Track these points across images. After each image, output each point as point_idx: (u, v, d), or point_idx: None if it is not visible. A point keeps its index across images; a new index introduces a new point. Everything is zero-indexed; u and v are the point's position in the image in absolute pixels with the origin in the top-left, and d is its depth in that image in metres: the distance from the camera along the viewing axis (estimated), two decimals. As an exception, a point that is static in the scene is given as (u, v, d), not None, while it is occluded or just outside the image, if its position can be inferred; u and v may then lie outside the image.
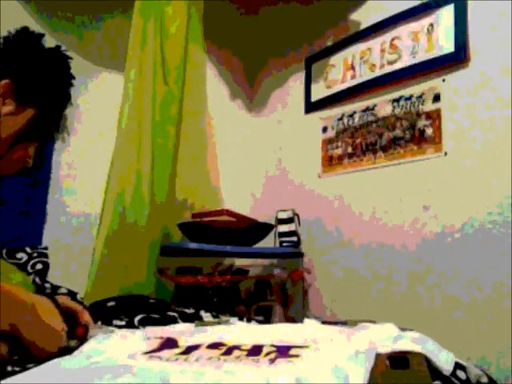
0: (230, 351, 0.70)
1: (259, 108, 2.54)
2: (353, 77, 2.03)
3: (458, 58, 1.65)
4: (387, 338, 0.75)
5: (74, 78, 1.04)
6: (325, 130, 2.14)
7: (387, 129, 1.87)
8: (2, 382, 0.56)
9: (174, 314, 1.27)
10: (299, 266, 2.07)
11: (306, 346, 0.71)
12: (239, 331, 0.88)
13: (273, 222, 2.08)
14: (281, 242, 2.07)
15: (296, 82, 2.32)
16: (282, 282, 2.06)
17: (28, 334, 0.71)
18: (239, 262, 2.07)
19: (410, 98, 1.80)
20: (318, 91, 2.18)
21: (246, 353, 0.69)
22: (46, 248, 1.66)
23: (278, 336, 0.81)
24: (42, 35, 0.97)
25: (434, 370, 0.67)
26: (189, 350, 0.72)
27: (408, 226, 1.74)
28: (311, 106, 2.22)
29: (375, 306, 1.79)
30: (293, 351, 0.68)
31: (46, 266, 1.60)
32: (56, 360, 0.66)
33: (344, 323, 1.01)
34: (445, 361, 0.70)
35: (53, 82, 0.95)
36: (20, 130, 0.89)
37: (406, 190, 1.77)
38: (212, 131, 2.08)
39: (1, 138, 0.87)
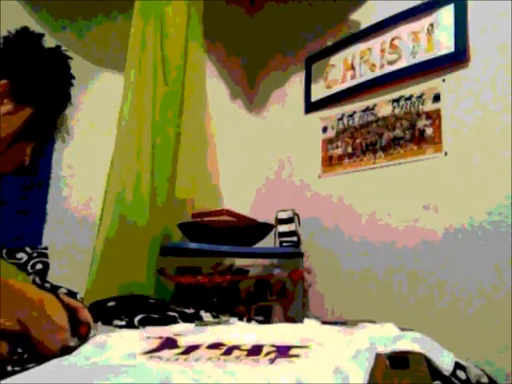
0: (229, 351, 0.70)
1: (259, 108, 2.54)
2: (353, 77, 2.03)
3: (458, 58, 1.65)
4: (387, 338, 0.75)
5: (74, 77, 1.04)
6: (325, 130, 2.14)
7: (387, 129, 1.87)
8: (2, 382, 0.56)
9: (174, 314, 1.26)
10: (299, 266, 2.07)
11: (306, 346, 0.71)
12: (239, 331, 0.88)
13: (273, 222, 2.08)
14: (281, 242, 2.07)
15: (296, 82, 2.32)
16: (282, 282, 2.06)
17: (35, 330, 0.71)
18: (239, 262, 2.07)
19: (410, 98, 1.80)
20: (318, 91, 2.18)
21: (246, 353, 0.69)
22: (46, 248, 1.66)
23: (278, 336, 0.81)
24: (42, 35, 0.97)
25: (434, 370, 0.67)
26: (189, 350, 0.72)
27: (408, 226, 1.74)
28: (311, 106, 2.22)
29: (375, 305, 1.79)
30: (293, 351, 0.68)
31: (46, 266, 1.60)
32: (56, 360, 0.66)
33: (344, 323, 1.01)
34: (445, 361, 0.70)
35: (52, 81, 0.95)
36: (18, 129, 0.89)
37: (406, 190, 1.77)
38: (212, 131, 2.08)
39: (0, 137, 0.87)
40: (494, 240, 1.50)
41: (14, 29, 0.94)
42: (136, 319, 1.17)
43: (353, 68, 2.04)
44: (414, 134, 1.77)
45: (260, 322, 1.32)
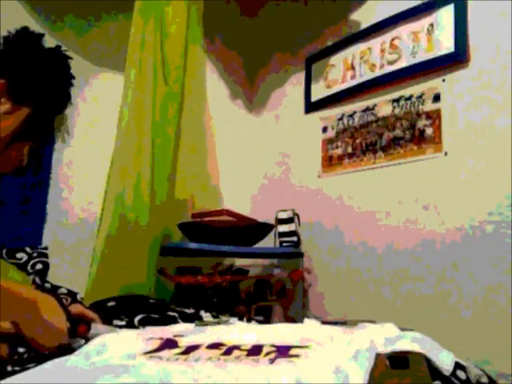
0: (229, 351, 0.70)
1: (259, 108, 2.54)
2: (353, 77, 2.03)
3: (458, 58, 1.65)
4: (387, 337, 0.75)
5: (73, 77, 1.03)
6: (325, 130, 2.14)
7: (387, 129, 1.87)
8: (2, 382, 0.56)
9: (174, 314, 1.26)
10: (299, 266, 2.07)
11: (306, 346, 0.71)
12: (239, 331, 0.88)
13: (273, 222, 2.08)
14: (281, 242, 2.07)
15: (296, 82, 2.32)
16: (282, 282, 2.06)
17: (28, 330, 0.71)
18: (239, 262, 2.07)
19: (410, 98, 1.80)
20: (318, 91, 2.18)
21: (246, 353, 0.69)
22: (46, 248, 1.66)
23: (278, 336, 0.81)
24: (42, 35, 0.97)
25: (434, 370, 0.67)
26: (189, 350, 0.72)
27: (408, 226, 1.74)
28: (311, 106, 2.22)
29: (375, 305, 1.79)
30: (293, 351, 0.68)
31: (46, 266, 1.60)
32: (56, 360, 0.66)
33: (344, 323, 1.01)
34: (445, 361, 0.70)
35: (52, 81, 0.95)
36: (16, 129, 0.89)
37: (406, 190, 1.77)
38: (212, 131, 2.08)
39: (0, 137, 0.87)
40: (494, 240, 1.50)
41: (14, 29, 0.94)
42: (136, 319, 1.17)
43: (353, 68, 2.03)
44: (414, 133, 1.77)
45: (260, 322, 1.32)
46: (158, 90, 1.82)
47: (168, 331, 0.87)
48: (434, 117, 1.71)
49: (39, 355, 0.71)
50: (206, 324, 1.04)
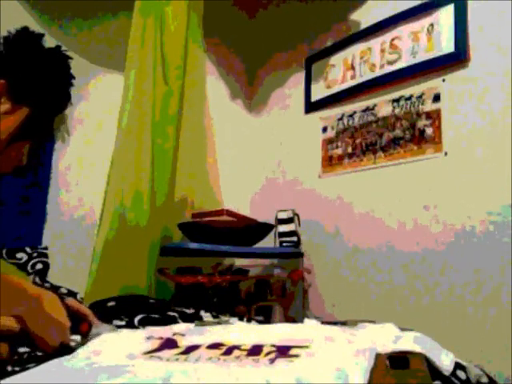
0: (229, 351, 0.70)
1: (259, 108, 2.54)
2: (353, 77, 2.03)
3: (458, 57, 1.65)
4: (387, 338, 0.75)
5: (73, 77, 1.03)
6: (325, 130, 2.14)
7: (387, 129, 1.87)
8: (2, 382, 0.56)
9: (174, 314, 1.26)
10: (299, 266, 2.07)
11: (306, 346, 0.71)
12: (239, 331, 0.88)
13: (273, 222, 2.08)
14: (281, 242, 2.07)
15: (296, 82, 2.32)
16: (282, 282, 2.06)
17: (33, 326, 0.71)
18: (239, 262, 2.07)
19: (410, 98, 1.80)
20: (318, 91, 2.18)
21: (245, 353, 0.69)
22: (46, 248, 1.66)
23: (277, 336, 0.81)
24: (42, 35, 0.97)
25: (434, 370, 0.67)
26: (189, 350, 0.72)
27: (408, 226, 1.74)
28: (311, 106, 2.22)
29: (375, 305, 1.79)
30: (293, 351, 0.68)
31: (46, 266, 1.61)
32: (56, 360, 0.66)
33: (344, 323, 1.01)
34: (445, 361, 0.70)
35: (51, 81, 0.95)
36: (16, 129, 0.89)
37: (406, 190, 1.77)
38: (212, 131, 2.08)
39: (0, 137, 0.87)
40: (494, 240, 1.50)
41: (14, 29, 0.94)
42: (136, 319, 1.17)
43: (353, 68, 2.03)
44: (414, 133, 1.77)
45: (260, 322, 1.32)
46: (157, 90, 1.82)
47: (168, 331, 0.87)
48: (434, 117, 1.71)
49: (39, 355, 0.71)
50: (206, 324, 1.04)
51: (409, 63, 1.80)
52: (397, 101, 1.85)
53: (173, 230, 1.90)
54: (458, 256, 1.58)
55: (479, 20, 1.62)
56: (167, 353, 0.71)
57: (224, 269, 1.92)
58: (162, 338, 0.79)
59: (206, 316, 1.30)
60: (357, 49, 2.02)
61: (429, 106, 1.73)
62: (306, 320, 1.00)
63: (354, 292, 1.89)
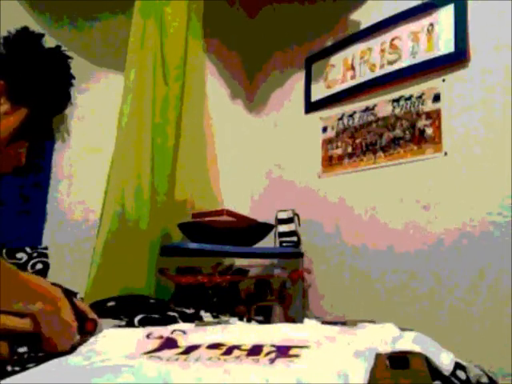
0: (229, 351, 0.70)
1: (259, 108, 2.54)
2: (353, 77, 2.03)
3: (458, 57, 1.65)
4: (387, 338, 0.75)
5: (74, 77, 1.04)
6: (325, 130, 2.14)
7: (387, 129, 1.87)
8: (2, 382, 0.56)
9: (174, 314, 1.26)
10: (299, 266, 2.07)
11: (306, 346, 0.71)
12: (239, 331, 0.88)
13: (273, 222, 2.08)
14: (281, 242, 2.07)
15: (296, 82, 2.32)
16: (282, 282, 2.06)
17: (47, 328, 0.71)
18: (239, 262, 2.07)
19: (409, 98, 1.80)
20: (318, 91, 2.18)
21: (245, 353, 0.69)
22: (46, 248, 1.66)
23: (278, 336, 0.81)
24: (42, 35, 0.97)
25: (434, 370, 0.67)
26: (189, 350, 0.72)
27: (408, 226, 1.74)
28: (311, 106, 2.22)
29: (375, 305, 1.79)
30: (293, 351, 0.68)
31: (46, 266, 1.60)
32: (56, 360, 0.66)
33: (344, 323, 1.01)
34: (445, 361, 0.70)
35: (51, 81, 0.95)
36: (16, 129, 0.89)
37: (406, 190, 1.77)
38: (212, 131, 2.08)
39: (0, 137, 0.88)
40: (494, 240, 1.50)
41: (14, 29, 0.94)
42: (136, 319, 1.17)
43: (353, 68, 2.03)
44: (414, 134, 1.77)
45: (260, 322, 1.32)
46: (157, 90, 1.82)
47: (168, 331, 0.87)
48: (434, 117, 1.71)
49: (39, 355, 0.71)
50: (206, 324, 1.04)
51: (409, 63, 1.80)
52: (397, 101, 1.85)
53: (173, 230, 1.90)
54: (458, 256, 1.58)
55: (479, 20, 1.62)
56: (167, 353, 0.71)
57: (224, 269, 1.92)
58: (161, 338, 0.79)
59: (206, 316, 1.30)
60: (357, 49, 2.03)
61: (429, 106, 1.73)
62: (306, 320, 1.00)
63: (353, 292, 1.89)
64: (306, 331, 0.87)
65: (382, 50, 1.91)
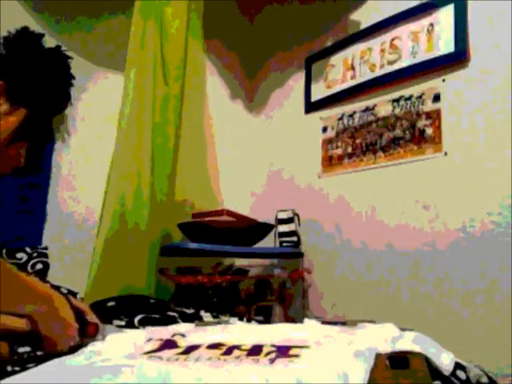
0: (229, 351, 0.70)
1: (259, 108, 2.54)
2: (353, 77, 2.03)
3: (458, 57, 1.65)
4: (387, 338, 0.75)
5: (74, 77, 1.03)
6: (325, 130, 2.14)
7: (387, 129, 1.87)
8: (2, 382, 0.56)
9: (174, 314, 1.26)
10: (299, 266, 2.07)
11: (306, 346, 0.71)
12: (239, 331, 0.88)
13: (273, 221, 2.08)
14: (281, 242, 2.07)
15: (296, 82, 2.32)
16: (282, 282, 2.06)
17: (45, 327, 0.71)
18: (239, 262, 2.07)
19: (409, 98, 1.80)
20: (318, 91, 2.18)
21: (245, 353, 0.69)
22: (46, 248, 1.66)
23: (278, 336, 0.81)
24: (42, 35, 0.97)
25: (434, 370, 0.67)
26: (189, 350, 0.72)
27: (408, 226, 1.74)
28: (311, 106, 2.22)
29: (375, 305, 1.79)
30: (293, 351, 0.68)
31: (46, 266, 1.60)
32: (56, 360, 0.66)
33: (344, 323, 1.01)
34: (445, 361, 0.70)
35: (51, 82, 0.95)
36: (15, 129, 0.89)
37: (406, 190, 1.77)
38: (212, 131, 2.08)
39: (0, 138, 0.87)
40: (494, 240, 1.50)
41: (14, 29, 0.94)
42: (136, 319, 1.17)
43: (353, 68, 2.03)
44: (414, 134, 1.77)
45: (260, 322, 1.32)
46: (157, 90, 1.82)
47: (168, 331, 0.87)
48: (434, 117, 1.71)
49: (39, 355, 0.71)
50: (206, 324, 1.04)
51: (409, 63, 1.80)
52: (397, 101, 1.85)
53: (173, 230, 1.90)
54: (458, 256, 1.58)
55: (479, 20, 1.62)
56: (167, 353, 0.71)
57: (224, 269, 1.92)
58: (161, 339, 0.79)
59: (206, 316, 1.30)
60: (357, 49, 2.02)
61: (429, 106, 1.73)
62: (306, 320, 1.00)
63: (353, 292, 1.89)
64: (306, 331, 0.87)
65: (382, 50, 1.91)
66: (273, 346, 0.72)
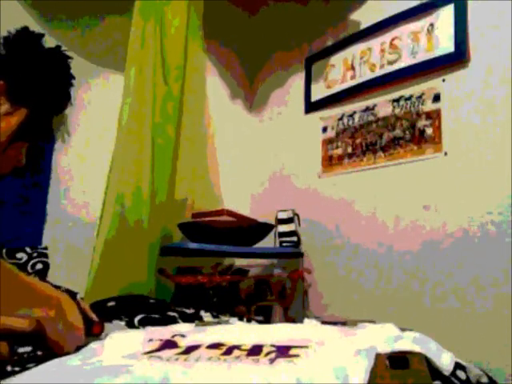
0: (229, 351, 0.70)
1: (259, 108, 2.54)
2: (353, 77, 2.03)
3: (458, 58, 1.65)
4: (387, 338, 0.75)
5: (74, 77, 1.04)
6: (325, 129, 2.14)
7: (387, 129, 1.87)
8: (2, 382, 0.56)
9: (174, 314, 1.26)
10: (299, 266, 2.07)
11: (306, 346, 0.71)
12: (239, 331, 0.88)
13: (273, 222, 2.08)
14: (281, 242, 2.07)
15: (296, 82, 2.32)
16: (282, 282, 2.06)
17: (52, 331, 0.70)
18: (239, 262, 2.07)
19: (409, 98, 1.80)
20: (318, 91, 2.18)
21: (245, 353, 0.69)
22: (45, 248, 1.66)
23: (278, 336, 0.81)
24: (42, 35, 0.97)
25: (434, 370, 0.67)
26: (189, 350, 0.72)
27: (408, 226, 1.74)
28: (311, 106, 2.22)
29: (375, 305, 1.79)
30: (293, 351, 0.68)
31: (46, 266, 1.60)
32: (56, 360, 0.66)
33: (344, 323, 1.01)
34: (445, 361, 0.70)
35: (51, 82, 0.95)
36: (15, 129, 0.89)
37: (406, 190, 1.77)
38: (212, 131, 2.08)
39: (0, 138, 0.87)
40: (494, 240, 1.50)
41: (14, 29, 0.94)
42: (136, 319, 1.17)
43: (353, 68, 2.03)
44: (414, 133, 1.77)
45: (260, 322, 1.32)
46: (157, 90, 1.83)
47: (168, 331, 0.87)
48: (434, 117, 1.71)
49: (39, 355, 0.71)
50: (206, 324, 1.04)
51: (409, 63, 1.80)
52: (397, 101, 1.85)
53: (173, 230, 1.90)
54: (458, 256, 1.58)
55: (479, 20, 1.62)
56: (167, 353, 0.71)
57: (224, 269, 1.92)
58: (161, 340, 0.79)
59: (206, 316, 1.30)
60: (357, 49, 2.02)
61: (429, 106, 1.73)
62: (306, 320, 1.00)
63: (354, 292, 1.89)
64: (306, 331, 0.87)
65: (382, 50, 1.91)
66: (273, 346, 0.72)
